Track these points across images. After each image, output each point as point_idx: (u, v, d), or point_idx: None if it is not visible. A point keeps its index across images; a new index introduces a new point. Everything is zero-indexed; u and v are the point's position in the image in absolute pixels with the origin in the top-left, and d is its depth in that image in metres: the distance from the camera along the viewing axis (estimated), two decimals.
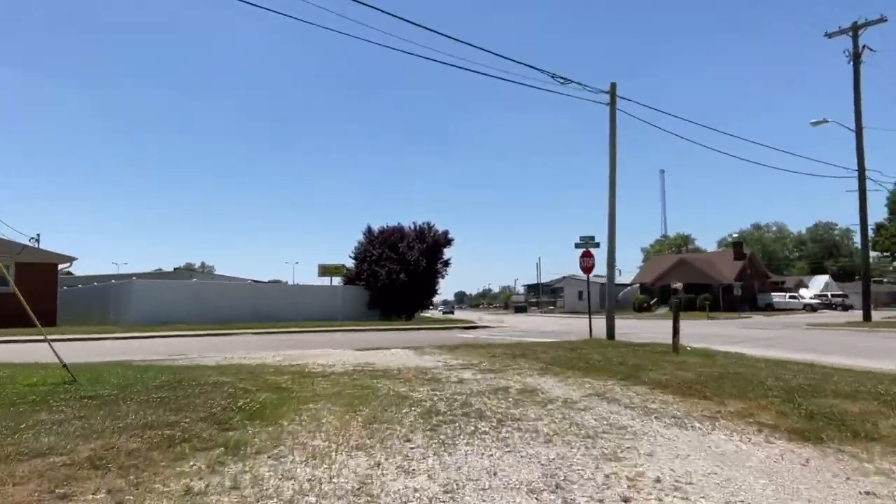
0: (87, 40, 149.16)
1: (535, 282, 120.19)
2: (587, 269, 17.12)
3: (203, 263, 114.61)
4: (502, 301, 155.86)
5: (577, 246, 17.24)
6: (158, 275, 36.17)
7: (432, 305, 40.45)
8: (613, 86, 16.68)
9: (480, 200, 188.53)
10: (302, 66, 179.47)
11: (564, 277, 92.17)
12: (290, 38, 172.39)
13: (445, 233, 37.24)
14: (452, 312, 77.68)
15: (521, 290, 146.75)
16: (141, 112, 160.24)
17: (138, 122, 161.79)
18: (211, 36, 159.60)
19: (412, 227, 37.17)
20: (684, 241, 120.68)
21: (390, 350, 14.31)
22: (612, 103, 16.55)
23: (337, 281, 39.30)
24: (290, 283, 34.07)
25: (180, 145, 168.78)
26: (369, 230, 37.45)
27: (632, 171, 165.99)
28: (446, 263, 37.44)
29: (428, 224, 37.10)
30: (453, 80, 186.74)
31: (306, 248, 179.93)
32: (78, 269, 53.76)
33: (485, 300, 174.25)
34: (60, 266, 27.48)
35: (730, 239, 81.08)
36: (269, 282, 33.91)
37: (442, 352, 13.21)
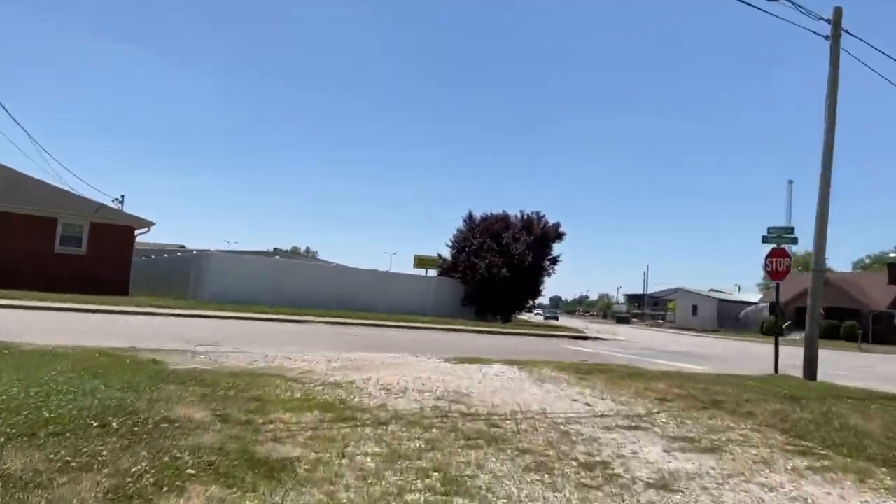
0: (217, 32, 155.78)
1: (641, 291, 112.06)
2: (778, 273, 11.98)
3: (308, 249, 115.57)
4: (600, 309, 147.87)
5: (765, 240, 12.17)
6: (242, 252, 33.93)
7: (534, 308, 35.94)
8: (838, 11, 11.55)
9: (583, 201, 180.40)
10: (411, 59, 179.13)
11: (677, 289, 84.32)
12: (401, 29, 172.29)
13: (556, 225, 32.58)
14: (556, 318, 71.80)
15: (621, 299, 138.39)
16: (262, 101, 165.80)
17: (259, 111, 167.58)
18: (326, 32, 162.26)
19: (519, 216, 32.79)
20: (807, 261, 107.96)
21: (491, 366, 10.15)
22: (835, 36, 11.42)
23: (432, 273, 35.61)
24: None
25: (293, 134, 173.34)
26: (470, 217, 33.46)
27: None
28: (555, 261, 32.79)
29: (537, 214, 32.61)
30: (559, 81, 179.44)
31: (406, 240, 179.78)
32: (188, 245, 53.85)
33: (581, 307, 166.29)
34: (139, 232, 25.41)
35: (883, 258, 69.76)
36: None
37: (570, 378, 8.86)
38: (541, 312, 76.39)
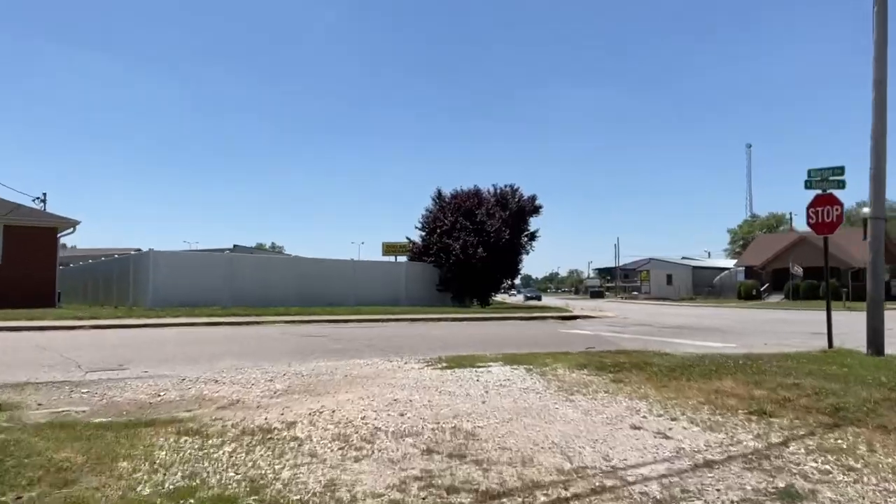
0: (177, 29, 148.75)
1: (611, 265, 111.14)
2: (825, 225, 9.70)
3: (273, 244, 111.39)
4: (570, 285, 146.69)
5: (807, 185, 9.89)
6: (203, 251, 30.50)
7: (511, 288, 33.58)
8: None
9: (547, 177, 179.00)
10: (368, 43, 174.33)
11: (650, 260, 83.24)
12: (356, 10, 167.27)
13: (532, 198, 30.21)
14: (539, 298, 66.33)
15: (591, 274, 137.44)
16: (222, 98, 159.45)
17: (218, 106, 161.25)
18: (279, 19, 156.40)
19: (492, 190, 30.34)
20: (778, 222, 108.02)
21: (490, 369, 7.77)
22: None
23: (402, 260, 33.00)
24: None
25: (250, 127, 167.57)
26: (439, 195, 30.83)
27: (713, 140, 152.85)
28: (532, 236, 30.48)
29: (511, 187, 30.18)
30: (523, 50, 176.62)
31: (372, 229, 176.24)
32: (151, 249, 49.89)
33: (552, 284, 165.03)
34: (64, 233, 22.21)
35: (858, 213, 69.09)
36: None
37: (601, 382, 6.49)
38: (521, 292, 73.92)
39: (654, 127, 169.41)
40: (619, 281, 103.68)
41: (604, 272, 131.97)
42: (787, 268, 49.14)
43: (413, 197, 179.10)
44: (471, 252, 27.62)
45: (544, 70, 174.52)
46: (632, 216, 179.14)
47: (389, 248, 35.45)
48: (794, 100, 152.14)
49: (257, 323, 17.02)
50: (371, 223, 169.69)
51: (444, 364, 8.37)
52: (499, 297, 39.50)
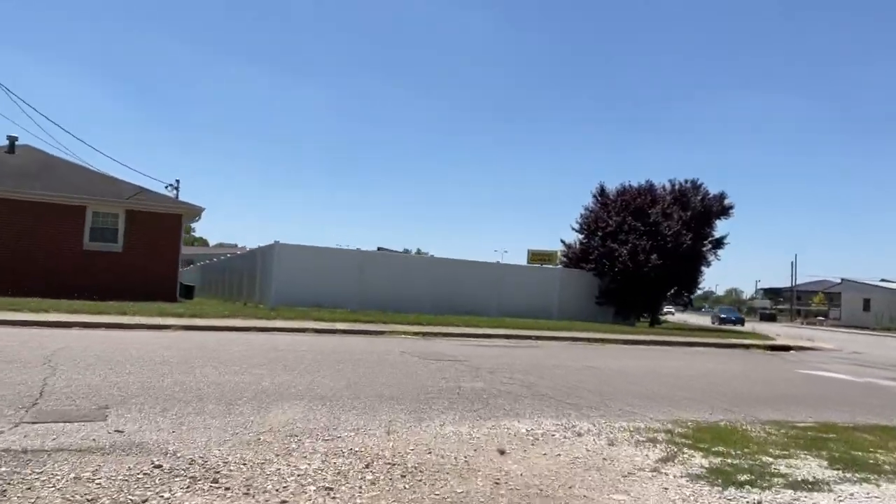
0: (326, 40, 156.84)
1: (783, 285, 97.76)
2: None
3: (419, 249, 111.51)
4: (730, 305, 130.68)
5: None
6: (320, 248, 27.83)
7: (690, 305, 27.80)
8: None
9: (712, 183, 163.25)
10: (519, 56, 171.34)
11: (843, 280, 70.88)
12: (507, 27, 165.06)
13: (720, 196, 24.43)
14: (742, 322, 47.18)
15: (757, 294, 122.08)
16: (367, 106, 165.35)
17: (365, 115, 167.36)
18: (430, 28, 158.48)
19: (668, 186, 24.97)
20: None
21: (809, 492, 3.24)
22: None
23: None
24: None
25: (396, 135, 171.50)
26: (602, 191, 25.97)
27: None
28: (719, 243, 24.64)
29: (693, 182, 24.60)
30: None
31: (516, 237, 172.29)
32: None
33: (706, 303, 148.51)
34: (190, 221, 20.49)
35: None
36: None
37: None
38: (722, 314, 51.66)
39: (837, 134, 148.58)
40: (794, 304, 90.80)
41: (770, 293, 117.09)
42: None
43: (560, 206, 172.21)
44: (641, 259, 22.54)
45: (712, 76, 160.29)
46: (806, 231, 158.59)
47: (536, 257, 31.19)
48: None
49: (379, 333, 13.55)
50: (516, 230, 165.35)
51: (691, 447, 4.13)
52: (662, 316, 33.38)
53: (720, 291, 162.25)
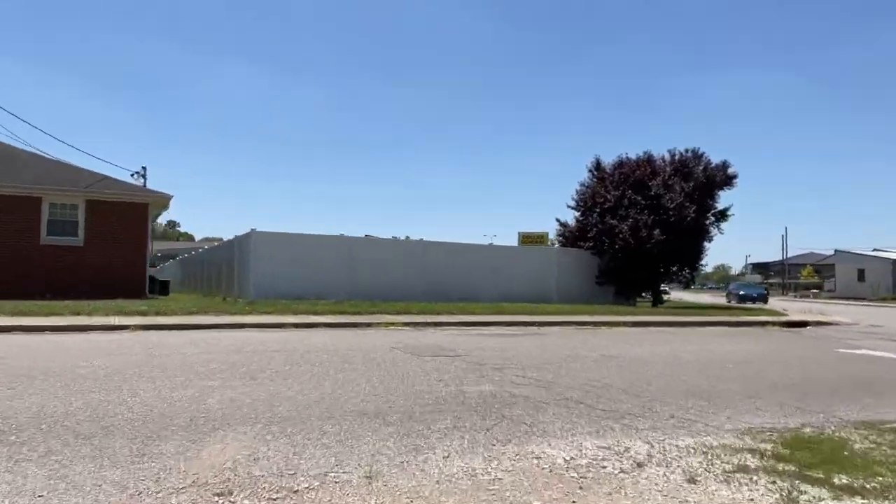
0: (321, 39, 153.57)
1: (770, 259, 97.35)
2: None
3: (407, 237, 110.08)
4: (717, 281, 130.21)
5: None
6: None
7: (692, 282, 26.62)
8: None
9: None
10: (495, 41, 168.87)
11: (836, 252, 70.27)
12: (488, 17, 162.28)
13: (723, 166, 23.13)
14: (764, 300, 40.35)
15: (747, 270, 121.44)
16: (354, 98, 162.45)
17: (352, 107, 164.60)
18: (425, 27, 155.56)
19: (668, 157, 23.64)
20: None
21: None
22: None
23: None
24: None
25: (382, 126, 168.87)
26: (598, 165, 24.61)
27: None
28: (722, 215, 23.38)
29: (694, 152, 23.28)
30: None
31: (506, 221, 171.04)
32: None
33: (695, 281, 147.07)
34: (158, 211, 18.93)
35: None
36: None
37: None
38: (741, 290, 44.09)
39: (819, 107, 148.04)
40: (786, 277, 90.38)
41: (759, 267, 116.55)
42: None
43: (550, 189, 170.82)
44: (643, 234, 21.27)
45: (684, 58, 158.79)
46: (794, 207, 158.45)
47: (526, 240, 29.80)
48: None
49: (367, 325, 12.19)
50: (505, 214, 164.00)
51: (803, 479, 2.95)
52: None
53: (709, 268, 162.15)
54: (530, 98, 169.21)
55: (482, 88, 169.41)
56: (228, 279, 22.08)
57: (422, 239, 21.49)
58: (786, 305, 34.34)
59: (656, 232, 21.12)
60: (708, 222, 23.22)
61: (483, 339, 10.26)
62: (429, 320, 13.03)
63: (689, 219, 21.57)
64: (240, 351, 7.71)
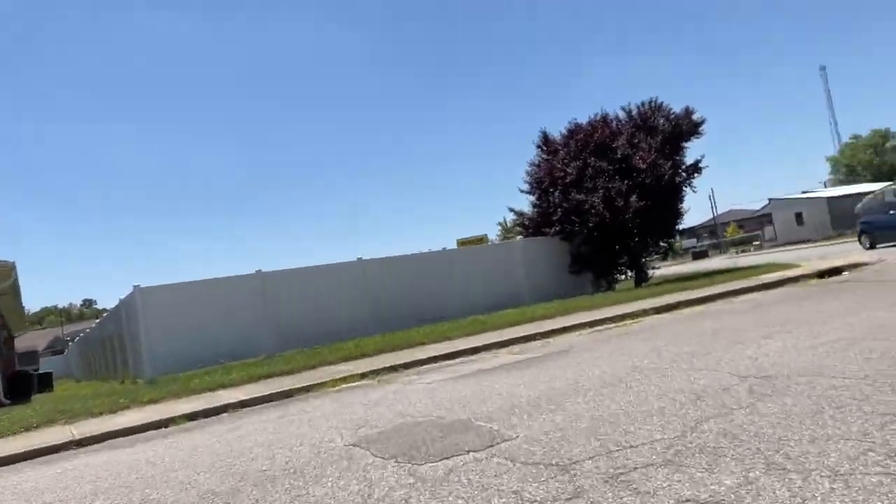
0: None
1: (709, 218, 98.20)
2: None
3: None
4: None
5: None
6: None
7: (670, 251, 23.45)
8: None
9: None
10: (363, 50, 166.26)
11: (771, 200, 70.45)
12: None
13: (687, 112, 20.03)
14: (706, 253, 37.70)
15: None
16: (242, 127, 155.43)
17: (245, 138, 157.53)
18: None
19: (623, 115, 20.42)
20: (883, 139, 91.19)
21: None
22: None
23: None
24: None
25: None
26: (546, 138, 21.14)
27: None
28: (696, 169, 20.31)
29: (653, 102, 20.16)
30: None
31: (445, 231, 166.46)
32: None
33: None
34: None
35: None
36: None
37: None
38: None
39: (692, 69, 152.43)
40: (720, 236, 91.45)
41: (685, 233, 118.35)
42: None
43: (485, 192, 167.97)
44: (620, 204, 17.91)
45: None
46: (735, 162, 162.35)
47: (465, 245, 26.01)
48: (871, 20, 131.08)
49: (305, 390, 8.04)
50: (441, 226, 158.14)
51: None
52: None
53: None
54: (437, 98, 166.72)
55: (390, 95, 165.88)
56: (123, 356, 17.23)
57: (360, 258, 17.28)
58: (752, 259, 32.05)
59: (633, 199, 17.82)
60: (679, 180, 20.11)
61: (494, 381, 6.30)
62: (395, 362, 8.96)
63: (666, 176, 18.41)
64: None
